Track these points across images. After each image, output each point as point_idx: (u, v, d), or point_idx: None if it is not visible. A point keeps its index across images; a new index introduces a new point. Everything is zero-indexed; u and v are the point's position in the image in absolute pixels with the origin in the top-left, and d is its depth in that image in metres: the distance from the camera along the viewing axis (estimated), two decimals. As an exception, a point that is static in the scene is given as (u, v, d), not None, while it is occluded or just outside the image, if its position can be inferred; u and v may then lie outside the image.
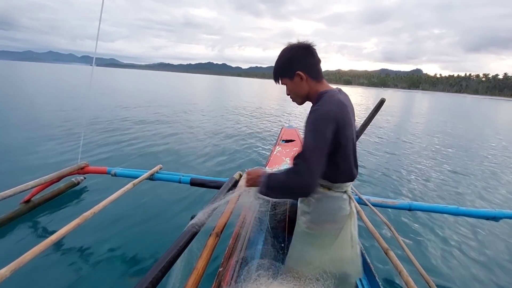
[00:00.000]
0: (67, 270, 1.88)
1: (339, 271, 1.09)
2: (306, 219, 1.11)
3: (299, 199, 1.17)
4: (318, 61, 1.03)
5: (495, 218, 2.09)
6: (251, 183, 1.06)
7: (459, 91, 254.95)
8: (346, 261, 1.12)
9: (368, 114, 1.85)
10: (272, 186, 0.95)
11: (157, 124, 7.34)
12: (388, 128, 9.52)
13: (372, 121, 1.89)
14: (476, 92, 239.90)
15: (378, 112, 1.84)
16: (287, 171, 0.92)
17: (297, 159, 0.90)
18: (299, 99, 1.09)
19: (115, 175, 2.53)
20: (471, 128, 11.30)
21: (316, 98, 1.01)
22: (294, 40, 1.06)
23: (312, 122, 0.91)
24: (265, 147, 5.60)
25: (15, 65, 77.25)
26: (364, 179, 4.10)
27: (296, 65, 1.00)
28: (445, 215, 2.83)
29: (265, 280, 1.10)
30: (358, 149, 1.07)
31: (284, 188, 0.93)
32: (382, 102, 1.82)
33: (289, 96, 1.11)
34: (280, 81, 1.08)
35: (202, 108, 11.74)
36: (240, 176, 2.18)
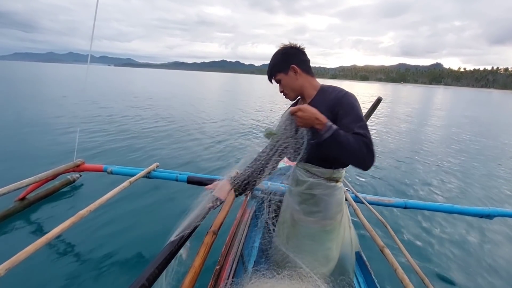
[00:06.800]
0: (62, 269, 1.87)
1: (341, 253, 1.17)
2: (317, 218, 1.11)
3: (298, 200, 1.14)
4: (309, 60, 1.12)
5: (489, 216, 2.11)
6: (306, 122, 0.93)
7: (485, 86, 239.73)
8: (347, 241, 1.19)
9: (364, 113, 1.86)
10: (341, 141, 0.89)
11: (155, 121, 7.30)
12: (386, 126, 9.55)
13: (369, 118, 1.90)
14: (504, 87, 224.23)
15: (375, 112, 1.85)
16: (358, 138, 0.88)
17: (364, 137, 0.89)
18: (293, 94, 1.14)
19: (111, 173, 2.52)
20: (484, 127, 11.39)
21: (319, 91, 1.09)
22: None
23: (355, 101, 0.99)
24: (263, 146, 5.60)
25: (38, 67, 75.44)
26: (360, 177, 4.13)
27: (290, 60, 1.08)
28: (440, 213, 2.85)
29: (262, 278, 1.10)
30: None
31: (352, 152, 0.89)
32: (379, 101, 1.84)
33: (282, 93, 1.15)
34: (274, 78, 1.13)
35: (202, 106, 11.69)
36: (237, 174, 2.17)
